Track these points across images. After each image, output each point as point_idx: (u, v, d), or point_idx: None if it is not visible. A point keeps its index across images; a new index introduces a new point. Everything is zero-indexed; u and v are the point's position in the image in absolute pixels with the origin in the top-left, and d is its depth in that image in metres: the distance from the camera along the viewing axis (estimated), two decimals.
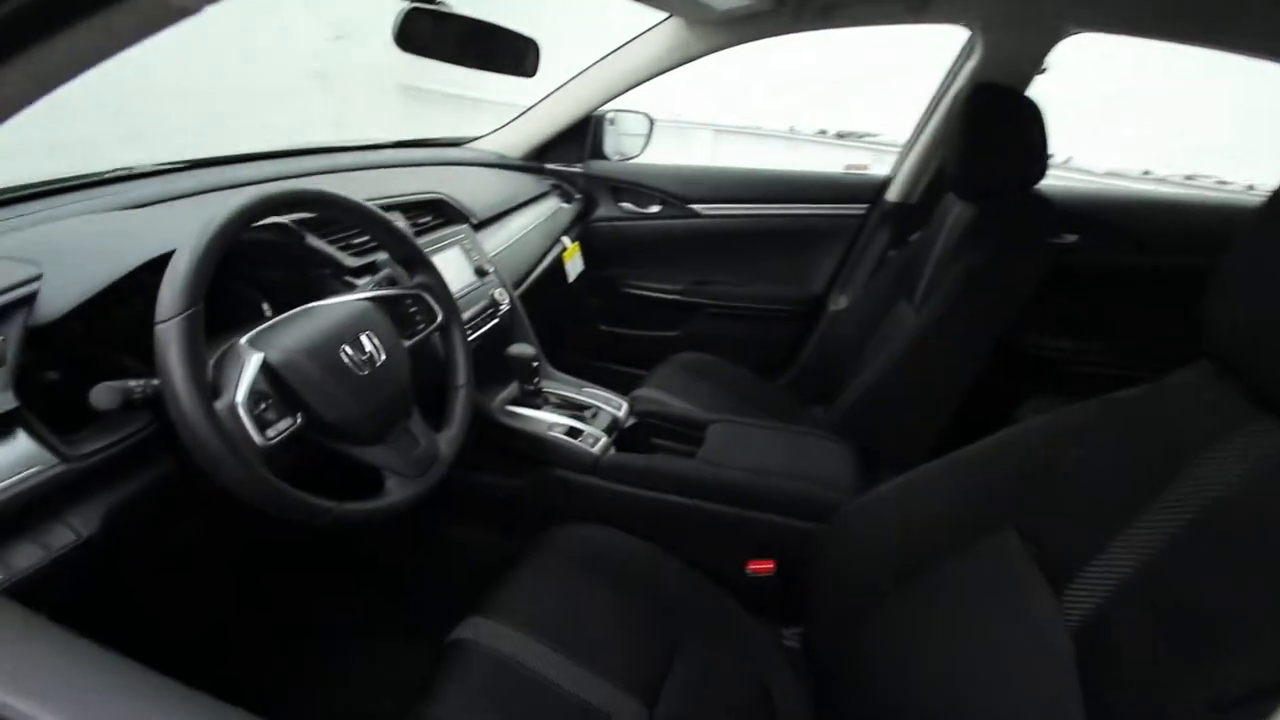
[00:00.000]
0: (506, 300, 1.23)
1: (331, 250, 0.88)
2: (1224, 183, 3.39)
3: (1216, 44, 1.29)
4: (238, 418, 0.60)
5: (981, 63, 1.48)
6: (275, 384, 0.65)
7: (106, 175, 0.94)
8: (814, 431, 1.29)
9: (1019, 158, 1.22)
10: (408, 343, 0.82)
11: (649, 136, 1.87)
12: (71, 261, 0.66)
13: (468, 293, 1.14)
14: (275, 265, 0.85)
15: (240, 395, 0.61)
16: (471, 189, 1.38)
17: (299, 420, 0.66)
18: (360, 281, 0.88)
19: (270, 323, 0.70)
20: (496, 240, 1.37)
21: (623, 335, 1.97)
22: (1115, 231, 1.61)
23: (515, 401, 1.19)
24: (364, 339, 0.74)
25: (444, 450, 0.82)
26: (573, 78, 1.69)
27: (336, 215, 0.82)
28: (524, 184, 1.67)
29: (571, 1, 5.24)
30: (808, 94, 6.15)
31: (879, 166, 1.98)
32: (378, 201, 1.00)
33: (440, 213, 1.25)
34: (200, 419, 0.57)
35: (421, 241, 1.01)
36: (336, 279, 0.89)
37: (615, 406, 1.25)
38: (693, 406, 1.39)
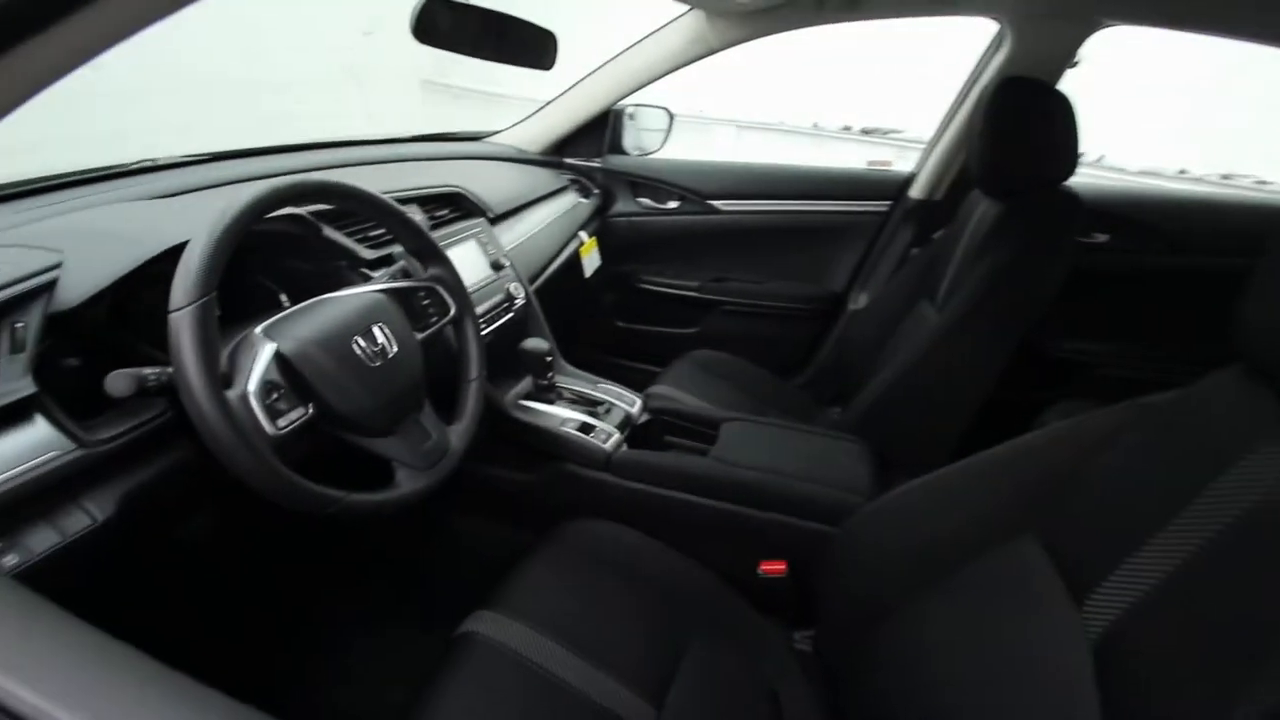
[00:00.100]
0: (522, 294, 1.23)
1: (348, 242, 0.89)
2: (1263, 183, 3.28)
3: (1256, 37, 1.25)
4: (249, 407, 0.61)
5: (1010, 56, 1.44)
6: (287, 374, 0.65)
7: (131, 166, 0.95)
8: (830, 432, 1.27)
9: (1048, 153, 1.18)
10: (420, 335, 0.82)
11: (669, 131, 1.86)
12: (92, 250, 0.67)
13: (483, 286, 1.14)
14: (293, 256, 0.86)
15: (252, 384, 0.61)
16: (489, 183, 1.38)
17: (310, 410, 0.66)
18: (376, 274, 0.88)
19: (285, 313, 0.70)
20: (513, 234, 1.37)
21: (638, 331, 1.96)
22: (1147, 231, 1.56)
23: (529, 396, 1.19)
24: (376, 331, 0.74)
25: (454, 443, 0.82)
26: (592, 72, 1.68)
27: (350, 207, 0.82)
28: (542, 178, 1.66)
29: None
30: (832, 89, 6.08)
31: (902, 163, 1.95)
32: (395, 194, 1.00)
33: (457, 206, 1.25)
34: (212, 407, 0.57)
35: (438, 235, 1.01)
36: (353, 271, 0.89)
37: (629, 403, 1.25)
38: (707, 404, 1.37)
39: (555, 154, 1.82)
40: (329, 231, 0.86)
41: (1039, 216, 1.18)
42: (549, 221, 1.54)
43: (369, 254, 0.90)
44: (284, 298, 0.82)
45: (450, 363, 0.90)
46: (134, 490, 0.63)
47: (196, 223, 0.62)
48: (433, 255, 0.89)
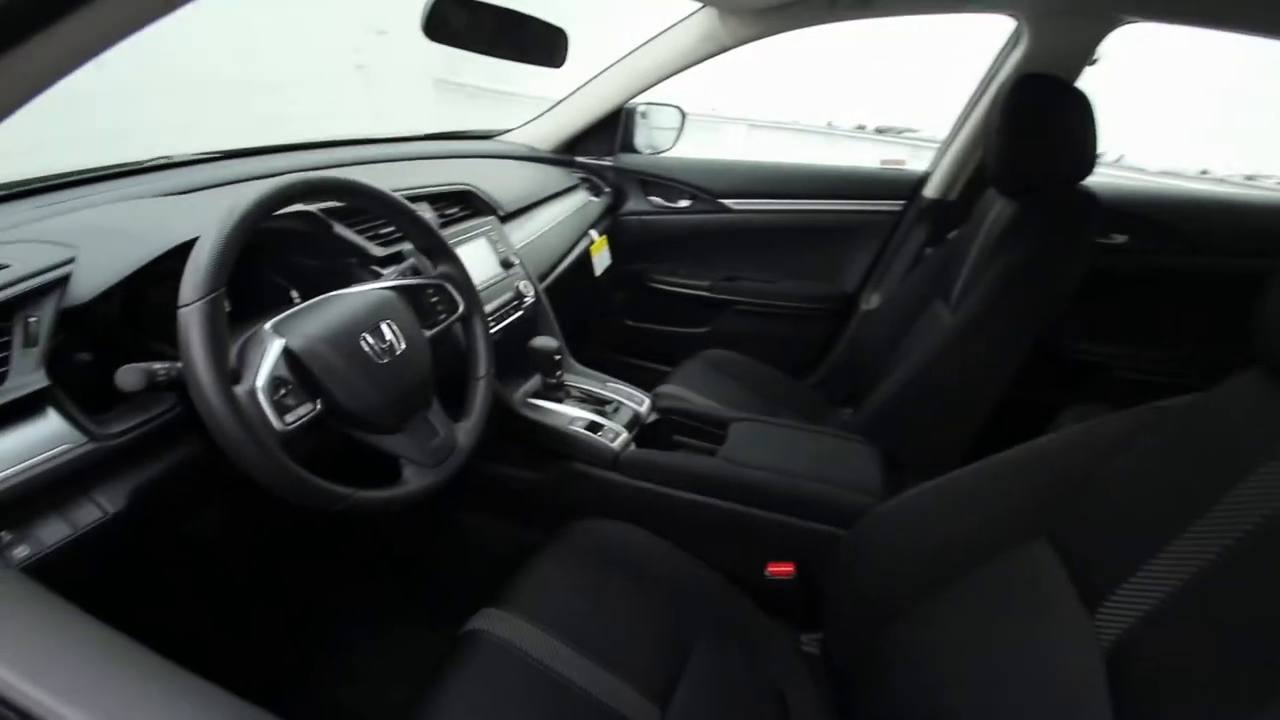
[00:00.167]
0: (531, 293, 1.23)
1: (358, 239, 0.89)
2: None
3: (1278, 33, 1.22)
4: (257, 402, 0.61)
5: (1028, 53, 1.42)
6: (296, 370, 0.65)
7: (144, 164, 0.96)
8: (840, 433, 1.25)
9: (1065, 151, 1.16)
10: (429, 332, 0.82)
11: (680, 130, 1.85)
12: (105, 245, 0.67)
13: (493, 284, 1.14)
14: (304, 253, 0.86)
15: (260, 380, 0.62)
16: (500, 181, 1.38)
17: (318, 407, 0.66)
18: (386, 271, 0.88)
19: (294, 310, 0.71)
20: (524, 232, 1.37)
21: (649, 331, 1.96)
22: (1166, 232, 1.53)
23: (537, 394, 1.19)
24: (384, 328, 0.74)
25: (462, 441, 0.82)
26: (604, 70, 1.68)
27: (361, 204, 0.82)
28: (553, 177, 1.66)
29: None
30: (845, 88, 6.04)
31: (916, 162, 1.93)
32: (405, 192, 1.00)
33: (468, 204, 1.25)
34: (220, 402, 0.57)
35: (448, 232, 1.01)
36: (363, 268, 0.90)
37: (637, 402, 1.24)
38: (716, 404, 1.37)
39: (567, 152, 1.81)
40: (339, 229, 0.86)
41: (1056, 215, 1.16)
42: (559, 220, 1.54)
43: (379, 251, 0.91)
44: (294, 294, 0.82)
45: (459, 360, 0.90)
46: (144, 484, 0.63)
47: (207, 220, 0.62)
48: (442, 253, 0.89)
